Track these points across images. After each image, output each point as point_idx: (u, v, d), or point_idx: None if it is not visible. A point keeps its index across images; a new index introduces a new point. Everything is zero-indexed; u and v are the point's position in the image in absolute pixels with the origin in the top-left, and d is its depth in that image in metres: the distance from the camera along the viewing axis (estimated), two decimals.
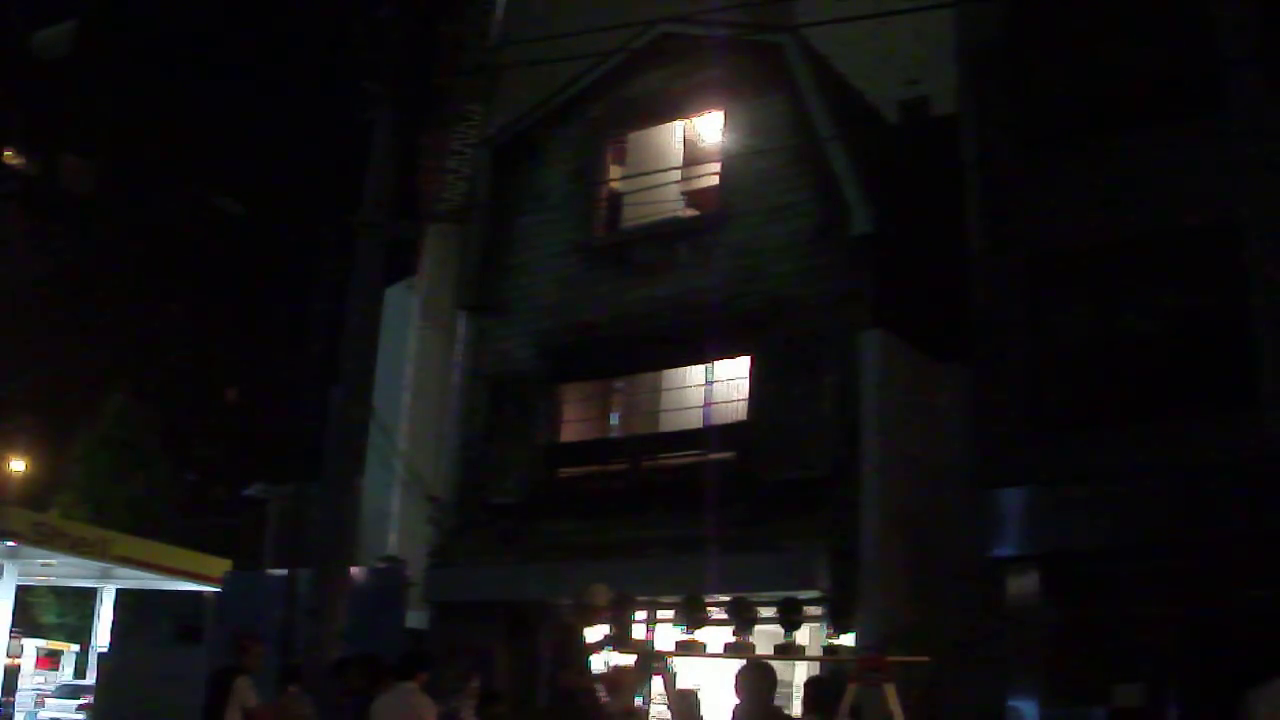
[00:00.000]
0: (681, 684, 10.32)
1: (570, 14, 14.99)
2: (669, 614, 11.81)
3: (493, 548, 14.66)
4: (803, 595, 10.12)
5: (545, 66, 13.83)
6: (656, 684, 9.67)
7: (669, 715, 9.49)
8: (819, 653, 11.43)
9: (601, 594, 8.48)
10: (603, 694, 8.20)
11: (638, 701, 9.27)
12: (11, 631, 22.41)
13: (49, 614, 30.12)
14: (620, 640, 8.67)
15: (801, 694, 8.01)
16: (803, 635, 9.63)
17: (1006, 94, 12.71)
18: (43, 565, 22.51)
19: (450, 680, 10.67)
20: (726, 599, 9.36)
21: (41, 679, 25.33)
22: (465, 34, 17.58)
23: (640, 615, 11.90)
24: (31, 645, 26.16)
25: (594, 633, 8.64)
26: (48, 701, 23.91)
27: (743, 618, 8.46)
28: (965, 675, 10.77)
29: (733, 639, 8.49)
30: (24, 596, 25.72)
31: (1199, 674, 10.34)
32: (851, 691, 7.52)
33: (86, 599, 25.43)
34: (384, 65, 11.87)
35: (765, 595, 9.75)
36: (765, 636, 9.18)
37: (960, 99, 13.37)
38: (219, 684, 9.38)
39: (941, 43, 13.73)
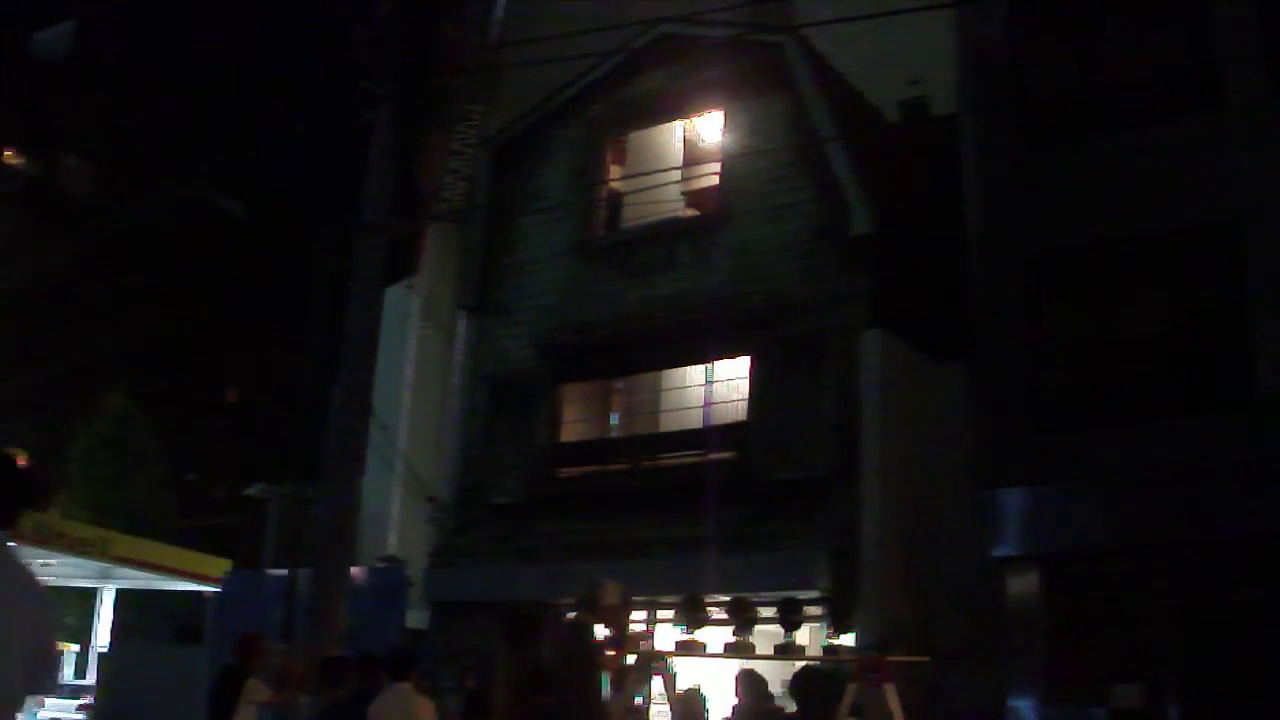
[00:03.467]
0: (681, 684, 10.30)
1: (570, 14, 14.98)
2: (669, 614, 11.80)
3: (493, 548, 14.66)
4: (803, 595, 10.10)
5: (545, 66, 13.83)
6: (656, 684, 9.65)
7: (669, 715, 9.48)
8: (819, 653, 11.42)
9: (613, 592, 8.45)
10: (606, 692, 8.17)
11: (638, 701, 9.25)
12: None
13: None
14: (621, 640, 8.65)
15: (790, 684, 7.97)
16: (803, 635, 9.61)
17: (1006, 94, 12.72)
18: (43, 565, 22.47)
19: (446, 679, 10.66)
20: (726, 599, 9.34)
21: None
22: (465, 34, 17.62)
23: (640, 615, 11.89)
24: None
25: (600, 631, 8.63)
26: (48, 701, 23.85)
27: (743, 618, 8.44)
28: (965, 675, 10.76)
29: (733, 639, 8.47)
30: None
31: (1199, 674, 10.34)
32: (852, 691, 7.51)
33: (86, 599, 25.38)
34: (384, 65, 11.86)
35: (765, 595, 9.73)
36: (765, 636, 9.17)
37: (960, 99, 13.38)
38: (226, 683, 9.35)
39: (941, 42, 13.73)
